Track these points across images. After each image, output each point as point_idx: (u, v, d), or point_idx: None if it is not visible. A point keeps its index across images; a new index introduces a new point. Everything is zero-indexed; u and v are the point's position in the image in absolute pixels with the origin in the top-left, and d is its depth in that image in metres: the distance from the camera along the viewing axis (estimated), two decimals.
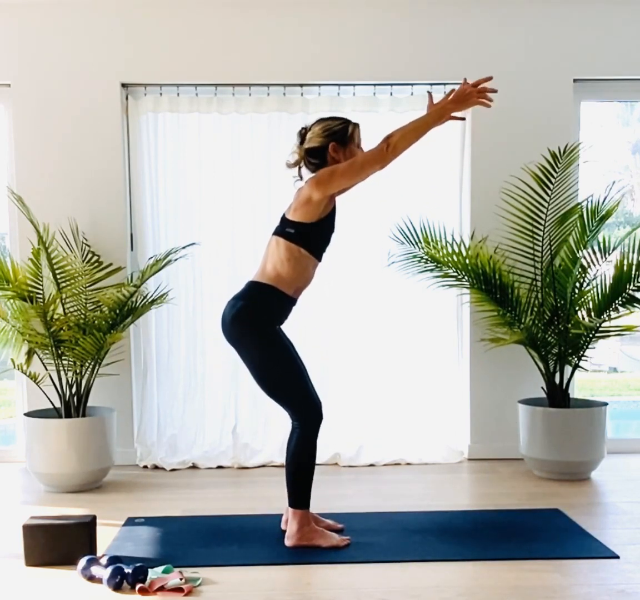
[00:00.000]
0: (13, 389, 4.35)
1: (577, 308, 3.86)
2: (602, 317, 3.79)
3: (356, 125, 2.92)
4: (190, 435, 4.26)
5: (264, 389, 2.90)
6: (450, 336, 4.29)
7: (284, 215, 2.91)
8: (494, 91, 2.76)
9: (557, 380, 3.90)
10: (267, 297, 2.84)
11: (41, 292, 3.79)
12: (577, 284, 3.85)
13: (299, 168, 2.95)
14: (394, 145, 2.72)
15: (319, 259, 2.92)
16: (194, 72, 4.12)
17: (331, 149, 2.84)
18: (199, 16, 4.09)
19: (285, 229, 2.85)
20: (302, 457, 2.85)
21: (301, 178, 2.94)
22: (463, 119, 2.89)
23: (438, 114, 2.74)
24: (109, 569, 2.53)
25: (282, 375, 2.85)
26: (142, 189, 4.20)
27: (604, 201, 3.79)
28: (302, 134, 2.93)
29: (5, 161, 4.22)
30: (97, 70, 4.10)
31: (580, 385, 4.64)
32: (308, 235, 2.83)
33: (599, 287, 3.83)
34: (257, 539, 2.97)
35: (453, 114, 2.78)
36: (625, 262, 3.70)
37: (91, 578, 2.59)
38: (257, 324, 2.83)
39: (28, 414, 3.81)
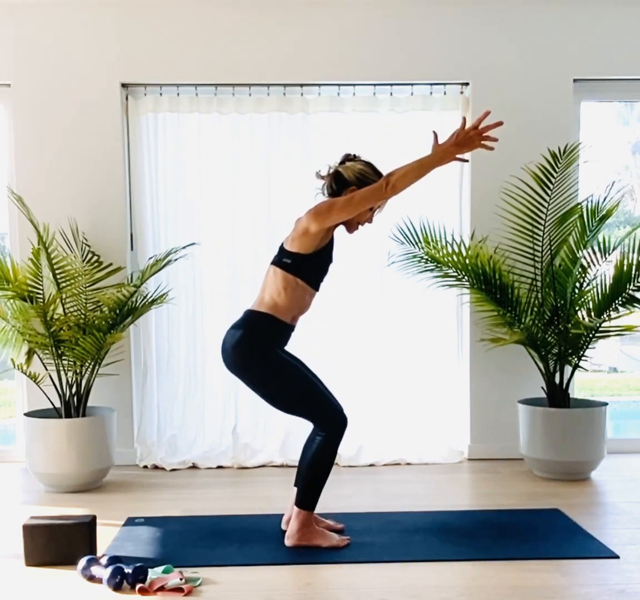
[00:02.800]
0: (13, 389, 4.35)
1: (577, 308, 3.86)
2: (602, 317, 3.80)
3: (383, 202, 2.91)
4: (190, 435, 4.26)
5: (280, 409, 2.93)
6: (450, 336, 4.29)
7: (282, 244, 2.92)
8: (499, 125, 2.72)
9: (557, 380, 3.90)
10: (265, 325, 2.86)
11: (41, 292, 3.79)
12: (577, 284, 3.85)
13: (324, 185, 2.95)
14: (393, 184, 2.73)
15: (316, 289, 2.94)
16: (194, 72, 4.12)
17: (350, 190, 2.86)
18: (199, 16, 4.09)
19: (283, 259, 2.87)
20: (322, 461, 2.85)
21: (323, 193, 2.95)
22: (466, 160, 2.90)
23: (440, 157, 2.74)
24: (109, 569, 2.53)
25: (293, 393, 2.86)
26: (142, 189, 4.20)
27: (604, 201, 3.79)
28: (347, 157, 2.94)
29: (5, 161, 4.22)
30: (97, 70, 4.10)
31: (580, 385, 4.64)
32: (305, 265, 2.85)
33: (599, 287, 3.84)
34: (257, 539, 2.97)
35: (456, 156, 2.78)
36: (625, 262, 3.70)
37: (91, 578, 2.59)
38: (259, 350, 2.85)
39: (28, 414, 3.81)
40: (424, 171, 2.75)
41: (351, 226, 2.95)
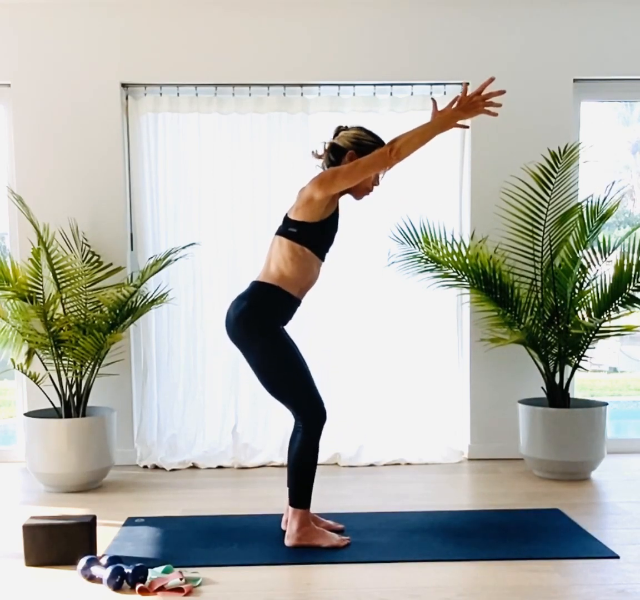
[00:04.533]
0: (13, 389, 4.35)
1: (577, 308, 3.86)
2: (602, 317, 3.80)
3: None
4: (190, 435, 4.26)
5: (267, 388, 2.90)
6: (450, 336, 4.29)
7: (286, 214, 2.91)
8: (502, 92, 2.70)
9: (557, 380, 3.90)
10: (272, 297, 2.85)
11: (41, 292, 3.79)
12: (577, 284, 3.85)
13: (323, 162, 2.96)
14: (397, 150, 2.72)
15: (322, 258, 2.93)
16: (194, 72, 4.12)
17: (348, 156, 2.86)
18: (199, 16, 4.09)
19: (288, 229, 2.85)
20: (305, 456, 2.85)
21: (323, 168, 2.94)
22: (467, 126, 2.89)
23: (443, 121, 2.73)
24: (109, 569, 2.53)
25: (285, 375, 2.85)
26: (142, 189, 4.20)
27: (604, 201, 3.79)
28: (339, 129, 2.96)
29: (5, 161, 4.22)
30: (97, 70, 4.10)
31: (580, 385, 4.64)
32: (311, 234, 2.84)
33: (599, 287, 3.84)
34: (257, 539, 2.97)
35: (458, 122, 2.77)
36: (625, 262, 3.70)
37: (91, 578, 2.59)
38: (262, 323, 2.83)
39: (28, 414, 3.81)
40: (427, 136, 2.73)
41: (359, 192, 2.93)
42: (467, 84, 2.79)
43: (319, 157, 2.96)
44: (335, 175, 2.77)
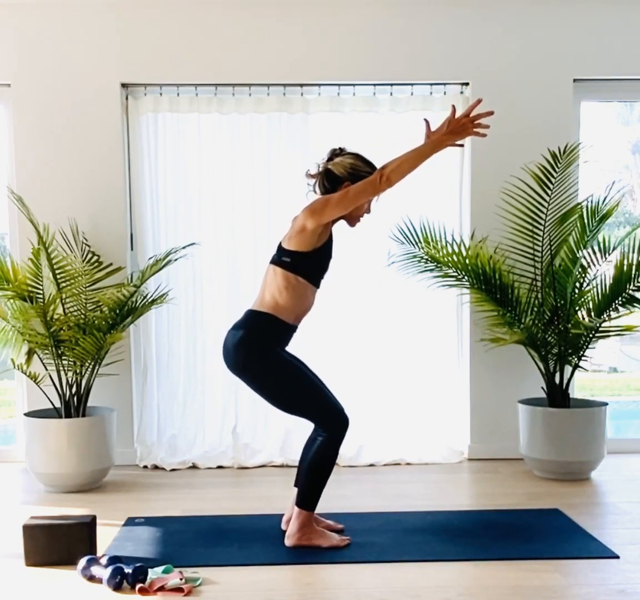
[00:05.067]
0: (13, 389, 4.35)
1: (577, 308, 3.86)
2: (602, 317, 3.80)
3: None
4: (190, 435, 4.26)
5: (282, 410, 2.92)
6: (450, 336, 4.29)
7: (280, 243, 2.91)
8: (490, 114, 2.74)
9: (557, 380, 3.90)
10: (267, 326, 2.85)
11: (41, 292, 3.79)
12: (577, 284, 3.85)
13: (315, 182, 2.94)
14: (387, 176, 2.73)
15: (317, 286, 2.93)
16: (194, 72, 4.12)
17: (344, 186, 2.85)
18: (199, 16, 4.09)
19: (282, 258, 2.86)
20: (324, 461, 2.85)
21: (315, 191, 2.94)
22: (462, 145, 2.90)
23: (433, 145, 2.75)
24: (109, 569, 2.53)
25: (295, 393, 2.85)
26: (142, 189, 4.20)
27: (604, 201, 3.79)
28: (334, 153, 2.93)
29: (5, 161, 4.22)
30: (97, 70, 4.10)
31: (580, 385, 4.65)
32: (304, 263, 2.84)
33: (599, 287, 3.84)
34: (257, 539, 2.97)
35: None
36: (625, 262, 3.70)
37: (91, 578, 2.59)
38: (260, 350, 2.84)
39: (28, 414, 3.81)
40: (418, 161, 2.75)
41: (352, 219, 2.95)
42: (454, 107, 2.79)
43: (312, 176, 2.94)
44: (326, 205, 2.77)
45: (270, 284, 2.88)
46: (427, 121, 2.81)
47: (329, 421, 2.85)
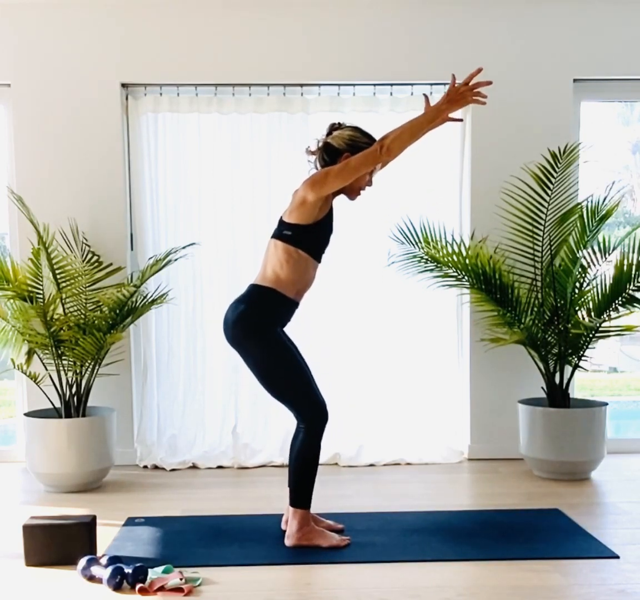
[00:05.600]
0: (13, 389, 4.35)
1: (577, 308, 3.86)
2: (602, 317, 3.80)
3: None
4: (190, 435, 4.26)
5: (268, 390, 2.90)
6: (450, 336, 4.29)
7: (281, 217, 2.91)
8: (489, 83, 2.73)
9: (557, 380, 3.90)
10: (269, 300, 2.85)
11: (41, 292, 3.79)
12: (577, 284, 3.85)
13: (316, 159, 2.95)
14: (388, 147, 2.73)
15: (319, 260, 2.93)
16: (194, 72, 4.12)
17: (343, 158, 2.84)
18: (199, 16, 4.09)
19: (283, 232, 2.86)
20: (306, 456, 2.85)
21: (316, 167, 2.94)
22: (461, 120, 2.90)
23: (433, 115, 2.74)
24: (109, 569, 2.53)
25: (285, 376, 2.85)
26: (142, 189, 4.20)
27: (604, 201, 3.79)
28: (332, 127, 2.94)
29: (5, 161, 4.22)
30: (97, 70, 4.10)
31: (580, 385, 4.64)
32: (305, 236, 2.84)
33: (599, 287, 3.84)
34: (257, 539, 2.97)
35: (451, 115, 2.78)
36: (625, 262, 3.70)
37: (91, 578, 2.59)
38: (260, 326, 2.84)
39: (28, 414, 3.81)
40: (417, 131, 2.74)
41: (352, 192, 2.93)
42: (454, 75, 2.79)
43: (312, 153, 2.95)
44: (327, 176, 2.77)
45: (271, 257, 2.87)
46: (426, 96, 2.82)
47: (309, 412, 2.84)
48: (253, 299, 2.87)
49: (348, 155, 2.83)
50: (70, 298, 3.82)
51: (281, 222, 2.89)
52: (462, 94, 2.73)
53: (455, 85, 2.75)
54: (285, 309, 2.89)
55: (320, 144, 2.92)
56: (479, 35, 4.15)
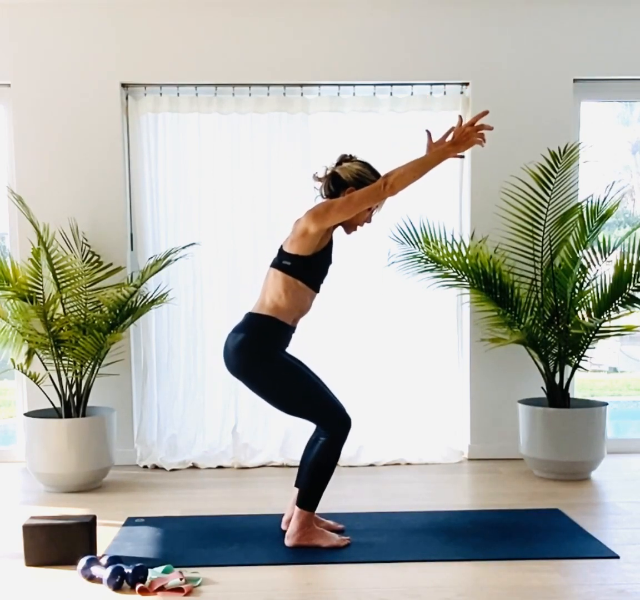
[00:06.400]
0: (13, 389, 4.35)
1: (577, 308, 3.86)
2: (602, 317, 3.80)
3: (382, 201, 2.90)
4: (190, 435, 4.26)
5: (284, 411, 2.92)
6: (450, 336, 4.29)
7: (281, 246, 2.92)
8: (491, 128, 2.80)
9: (557, 380, 3.90)
10: (267, 327, 2.86)
11: (41, 292, 3.79)
12: (577, 284, 3.85)
13: (322, 186, 2.95)
14: (391, 184, 2.75)
15: (317, 290, 2.94)
16: (194, 72, 4.12)
17: (348, 191, 2.86)
18: (199, 16, 4.09)
19: (282, 262, 2.87)
20: (326, 460, 2.85)
21: (321, 195, 2.95)
22: (462, 156, 2.93)
23: (437, 156, 2.78)
24: (109, 569, 2.53)
25: (295, 395, 2.86)
26: (142, 189, 4.20)
27: (604, 201, 3.79)
28: (343, 158, 2.95)
29: (5, 161, 4.22)
30: (97, 70, 4.10)
31: (580, 385, 4.64)
32: (304, 267, 2.85)
33: (599, 287, 3.84)
34: (257, 539, 2.97)
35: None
36: (625, 262, 3.70)
37: (91, 578, 2.59)
38: (261, 352, 2.85)
39: (28, 414, 3.81)
40: (422, 171, 2.77)
41: (349, 227, 2.96)
42: (461, 117, 2.85)
43: (319, 180, 2.96)
44: (329, 209, 2.79)
45: (270, 287, 2.89)
46: (428, 132, 2.85)
47: (331, 422, 2.85)
48: (252, 328, 2.88)
49: (352, 189, 2.85)
50: (70, 298, 3.82)
51: (281, 252, 2.90)
52: (467, 135, 2.77)
53: (462, 126, 2.78)
54: (283, 335, 2.91)
55: (328, 173, 2.93)
56: (479, 35, 4.15)
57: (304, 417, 2.91)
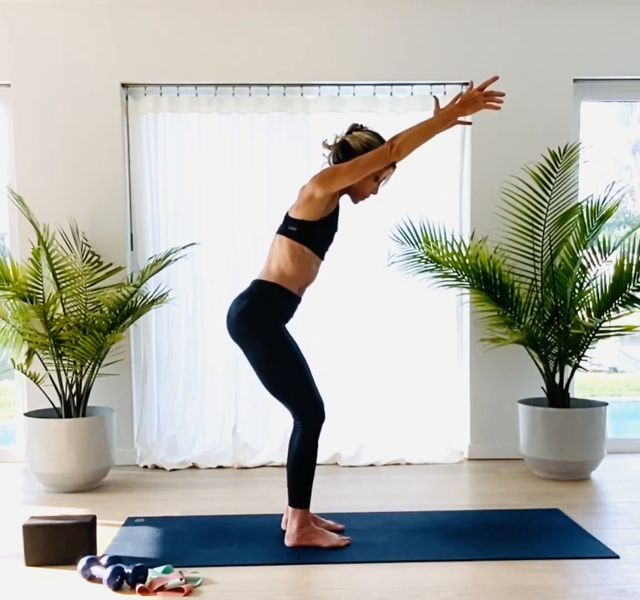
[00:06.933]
0: (13, 389, 4.35)
1: (577, 308, 3.86)
2: (602, 317, 3.80)
3: (394, 165, 2.88)
4: (190, 435, 4.26)
5: (266, 386, 2.90)
6: (450, 336, 4.29)
7: (287, 213, 2.91)
8: (502, 94, 2.77)
9: (557, 380, 3.90)
10: (272, 295, 2.85)
11: (41, 292, 3.79)
12: (577, 284, 3.85)
13: (330, 153, 2.94)
14: (397, 147, 2.74)
15: (322, 257, 2.94)
16: (194, 72, 4.12)
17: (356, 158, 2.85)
18: (199, 16, 4.09)
19: (288, 227, 2.86)
20: (303, 456, 2.85)
21: (329, 162, 2.95)
22: (469, 123, 2.92)
23: (444, 118, 2.76)
24: (109, 569, 2.53)
25: (285, 373, 2.85)
26: (142, 189, 4.20)
27: (604, 201, 3.79)
28: (354, 127, 2.95)
29: (5, 161, 4.22)
30: (97, 70, 4.10)
31: (580, 385, 4.64)
32: (311, 233, 2.84)
33: (599, 287, 3.84)
34: (257, 539, 2.97)
35: (459, 118, 2.79)
36: (625, 262, 3.70)
37: (91, 578, 2.59)
38: (263, 321, 2.84)
39: (28, 414, 3.81)
40: (428, 134, 2.76)
41: (357, 195, 2.94)
42: (472, 82, 2.83)
43: (328, 147, 2.95)
44: (336, 173, 2.78)
45: (276, 253, 2.88)
46: (436, 98, 2.84)
47: (306, 412, 2.85)
48: (257, 294, 2.87)
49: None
50: (70, 298, 3.82)
51: (287, 218, 2.89)
52: (475, 99, 2.75)
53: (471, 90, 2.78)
54: (288, 304, 2.90)
55: (338, 141, 2.93)
56: (479, 35, 4.15)
57: (284, 398, 2.88)
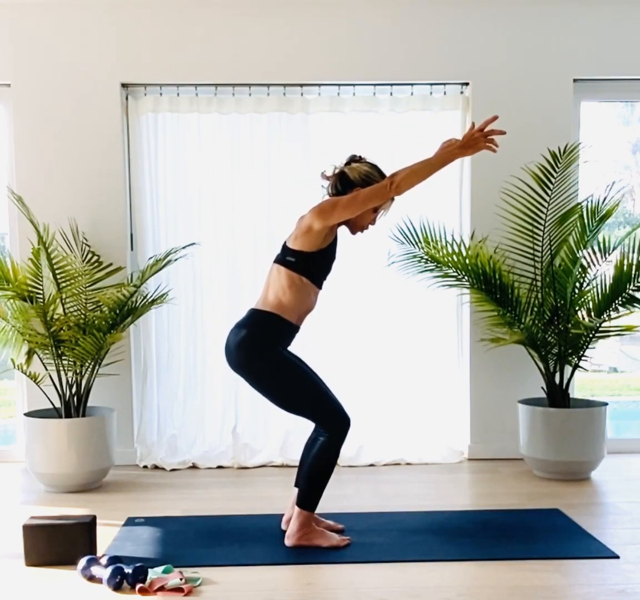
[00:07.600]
0: (13, 389, 4.35)
1: (577, 308, 3.86)
2: (602, 317, 3.80)
3: (392, 198, 2.89)
4: (190, 435, 4.26)
5: (284, 408, 2.92)
6: (450, 336, 4.29)
7: (285, 242, 2.92)
8: (503, 133, 2.79)
9: (557, 380, 3.90)
10: (270, 325, 2.85)
11: (41, 292, 3.79)
12: (577, 284, 3.85)
13: (329, 184, 2.96)
14: (397, 184, 2.76)
15: (320, 286, 2.94)
16: (194, 72, 4.12)
17: (355, 191, 2.85)
18: (199, 16, 4.09)
19: (286, 257, 2.87)
20: (325, 461, 2.85)
21: (328, 193, 2.96)
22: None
23: (444, 158, 2.78)
24: (109, 569, 2.53)
25: (295, 393, 2.86)
26: (142, 189, 4.20)
27: (604, 201, 3.79)
28: (353, 158, 2.96)
29: (5, 161, 4.22)
30: (97, 70, 4.10)
31: (580, 385, 4.64)
32: (309, 264, 2.85)
33: (599, 287, 3.84)
34: (257, 539, 2.98)
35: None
36: (625, 262, 3.70)
37: (91, 578, 2.59)
38: (263, 349, 2.84)
39: (28, 414, 3.81)
40: (428, 172, 2.78)
41: (354, 227, 2.96)
42: (474, 123, 2.86)
43: (327, 178, 2.96)
44: (335, 206, 2.79)
45: (274, 283, 2.88)
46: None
47: (330, 421, 2.85)
48: (255, 324, 2.87)
49: (359, 189, 2.84)
50: (70, 298, 3.82)
51: (285, 248, 2.90)
52: (476, 140, 2.77)
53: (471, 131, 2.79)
54: (286, 333, 2.90)
55: (337, 172, 2.93)
56: (479, 35, 4.15)
57: (304, 415, 2.91)
